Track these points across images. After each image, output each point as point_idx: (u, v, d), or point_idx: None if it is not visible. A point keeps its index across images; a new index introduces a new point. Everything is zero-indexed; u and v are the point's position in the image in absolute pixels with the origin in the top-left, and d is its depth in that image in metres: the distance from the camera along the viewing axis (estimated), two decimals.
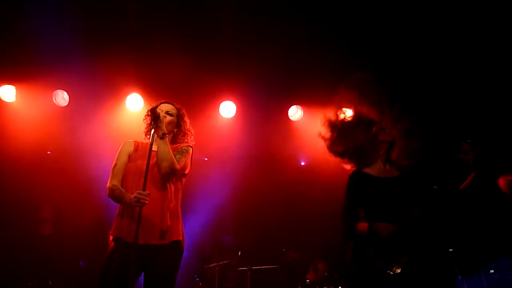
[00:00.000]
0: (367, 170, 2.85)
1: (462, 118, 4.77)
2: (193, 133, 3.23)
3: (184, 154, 3.05)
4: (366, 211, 2.72)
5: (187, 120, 3.22)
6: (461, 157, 2.59)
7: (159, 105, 3.15)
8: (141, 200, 2.72)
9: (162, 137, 2.92)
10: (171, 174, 2.93)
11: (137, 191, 2.75)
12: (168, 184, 2.97)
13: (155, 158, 2.94)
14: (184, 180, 3.12)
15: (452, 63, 4.92)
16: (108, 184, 2.95)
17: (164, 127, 2.96)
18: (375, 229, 2.59)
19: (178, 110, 3.19)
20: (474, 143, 2.57)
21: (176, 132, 3.17)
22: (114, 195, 2.91)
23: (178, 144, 3.15)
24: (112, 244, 2.87)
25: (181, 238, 2.99)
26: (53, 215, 5.53)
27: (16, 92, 5.26)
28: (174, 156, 2.96)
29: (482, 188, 2.61)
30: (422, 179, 2.74)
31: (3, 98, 5.24)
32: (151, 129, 2.96)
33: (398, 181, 2.77)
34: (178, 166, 2.94)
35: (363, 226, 2.66)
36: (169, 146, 2.95)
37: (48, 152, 5.61)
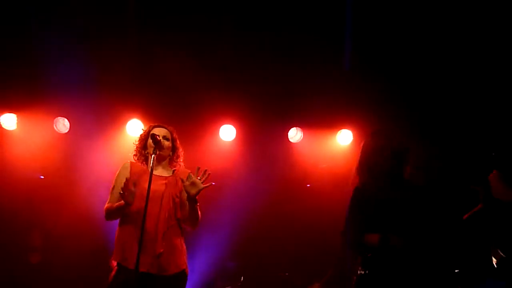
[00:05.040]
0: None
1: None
2: (183, 154, 3.26)
3: None
4: (373, 220, 2.68)
5: (178, 142, 3.25)
6: (473, 188, 2.60)
7: (152, 129, 3.16)
8: (124, 190, 2.75)
9: (195, 203, 2.98)
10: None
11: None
12: (166, 210, 2.95)
13: (155, 182, 2.93)
14: None
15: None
16: (105, 206, 2.96)
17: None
18: (389, 241, 2.56)
19: (171, 133, 3.21)
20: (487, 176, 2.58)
21: (171, 155, 3.18)
22: (109, 211, 2.94)
23: (180, 169, 3.15)
24: (114, 271, 2.85)
25: (185, 267, 2.96)
26: (43, 243, 5.45)
27: (17, 120, 5.29)
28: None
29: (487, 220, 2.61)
30: (427, 201, 2.71)
31: (4, 126, 5.26)
32: (146, 154, 3.05)
33: (405, 199, 2.72)
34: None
35: (373, 237, 2.63)
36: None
37: (41, 177, 5.59)
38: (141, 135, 3.22)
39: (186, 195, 2.94)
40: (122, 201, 2.82)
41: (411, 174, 2.79)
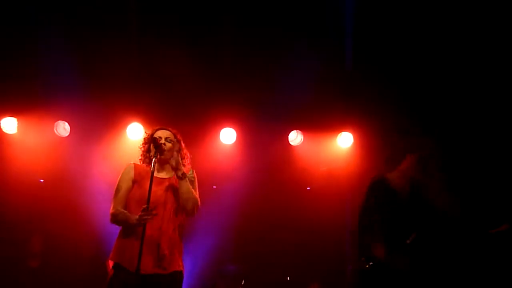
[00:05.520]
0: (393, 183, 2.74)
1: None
2: (189, 156, 3.24)
3: (194, 182, 3.07)
4: (386, 227, 2.63)
5: (183, 144, 3.24)
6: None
7: (155, 131, 3.16)
8: (147, 217, 2.72)
9: (182, 178, 2.94)
10: (196, 212, 2.98)
11: (143, 208, 2.74)
12: (170, 212, 2.96)
13: (159, 185, 2.95)
14: None
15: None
16: (111, 210, 2.94)
17: (182, 167, 2.98)
18: (392, 262, 2.52)
19: (175, 135, 3.20)
20: None
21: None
22: (118, 219, 2.90)
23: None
24: (112, 273, 2.85)
25: (182, 269, 2.97)
26: (43, 246, 5.44)
27: (18, 123, 5.29)
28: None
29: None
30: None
31: (5, 130, 5.26)
32: (150, 157, 3.00)
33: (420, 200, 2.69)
34: (199, 202, 2.99)
35: (379, 250, 2.60)
36: (189, 184, 2.96)
37: (41, 181, 5.59)
38: (145, 138, 3.21)
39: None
40: (134, 220, 2.79)
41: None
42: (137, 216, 2.77)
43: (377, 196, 2.68)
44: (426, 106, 5.00)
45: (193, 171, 3.14)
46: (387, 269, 2.52)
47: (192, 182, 3.04)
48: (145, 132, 3.25)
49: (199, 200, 2.99)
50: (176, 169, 2.95)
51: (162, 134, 3.13)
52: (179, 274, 2.95)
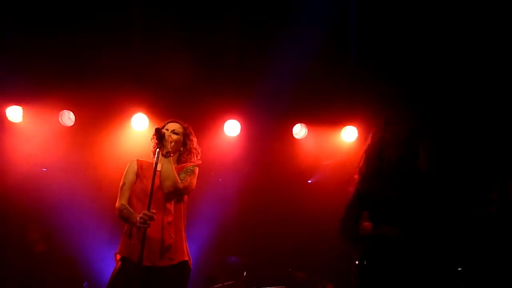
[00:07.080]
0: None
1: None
2: (199, 151, 3.23)
3: (189, 173, 3.05)
4: (373, 211, 2.65)
5: (194, 139, 3.22)
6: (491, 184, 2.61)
7: (166, 124, 3.17)
8: (147, 221, 2.72)
9: (166, 156, 2.93)
10: (174, 193, 2.94)
11: (143, 212, 2.75)
12: (171, 204, 2.97)
13: (159, 178, 2.95)
14: (186, 198, 3.11)
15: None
16: (116, 204, 2.96)
17: (168, 146, 2.97)
18: (382, 231, 2.54)
19: (185, 128, 3.20)
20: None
21: (182, 150, 3.17)
22: (122, 214, 2.92)
23: (184, 164, 3.15)
24: (118, 264, 2.88)
25: (187, 258, 2.98)
26: (42, 235, 5.48)
27: (23, 112, 5.31)
28: (179, 175, 2.96)
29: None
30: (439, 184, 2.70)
31: (10, 119, 5.29)
32: (157, 148, 2.99)
33: (412, 181, 2.67)
34: (181, 186, 2.94)
35: (367, 226, 2.61)
36: (172, 164, 2.95)
37: (44, 169, 5.62)
38: (155, 129, 3.21)
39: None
40: (136, 221, 2.79)
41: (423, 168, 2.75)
42: (138, 217, 2.78)
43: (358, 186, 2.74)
44: (429, 100, 4.99)
45: (194, 166, 3.11)
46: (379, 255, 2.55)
47: (187, 172, 3.03)
48: (156, 124, 3.24)
49: (179, 182, 2.92)
50: (161, 146, 2.92)
51: (170, 126, 3.15)
52: (185, 264, 2.96)
